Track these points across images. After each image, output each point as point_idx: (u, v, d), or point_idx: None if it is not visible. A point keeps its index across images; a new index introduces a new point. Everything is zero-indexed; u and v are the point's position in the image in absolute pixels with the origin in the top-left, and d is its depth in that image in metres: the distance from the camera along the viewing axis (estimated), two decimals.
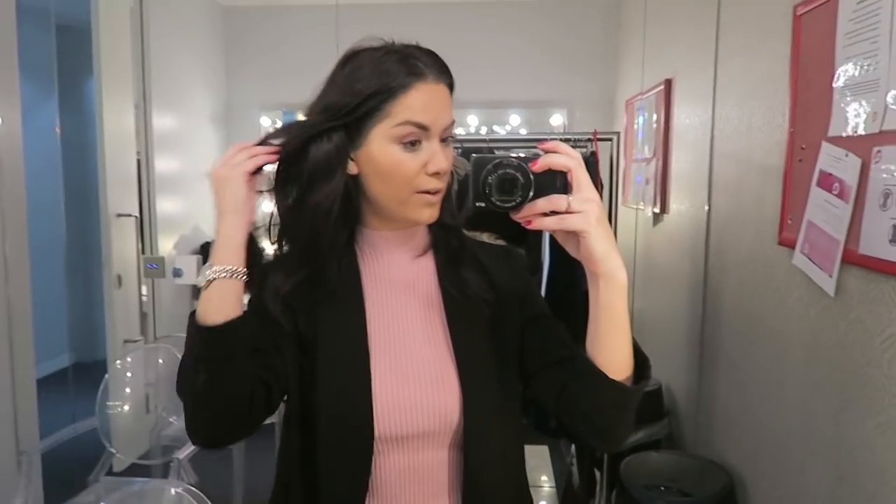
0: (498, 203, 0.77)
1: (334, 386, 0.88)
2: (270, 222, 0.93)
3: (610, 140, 2.18)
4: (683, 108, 2.49)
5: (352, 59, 0.88)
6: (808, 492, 1.47)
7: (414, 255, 0.97)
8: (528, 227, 0.77)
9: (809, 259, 1.44)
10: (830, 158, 1.38)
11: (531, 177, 0.76)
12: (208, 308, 0.83)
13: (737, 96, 1.95)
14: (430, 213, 0.89)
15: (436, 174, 0.86)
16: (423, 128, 0.84)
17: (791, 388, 1.56)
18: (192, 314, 0.85)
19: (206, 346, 0.83)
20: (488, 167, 0.77)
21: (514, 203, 0.77)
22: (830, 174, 1.37)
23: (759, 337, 1.74)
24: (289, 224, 0.91)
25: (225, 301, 0.84)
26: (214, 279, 0.84)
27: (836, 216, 1.33)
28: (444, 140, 0.88)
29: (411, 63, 0.85)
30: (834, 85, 1.37)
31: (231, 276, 0.84)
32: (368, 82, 0.84)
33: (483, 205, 0.77)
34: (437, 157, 0.85)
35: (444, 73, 0.88)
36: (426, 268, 0.97)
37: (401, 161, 0.85)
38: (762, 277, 1.72)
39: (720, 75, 2.09)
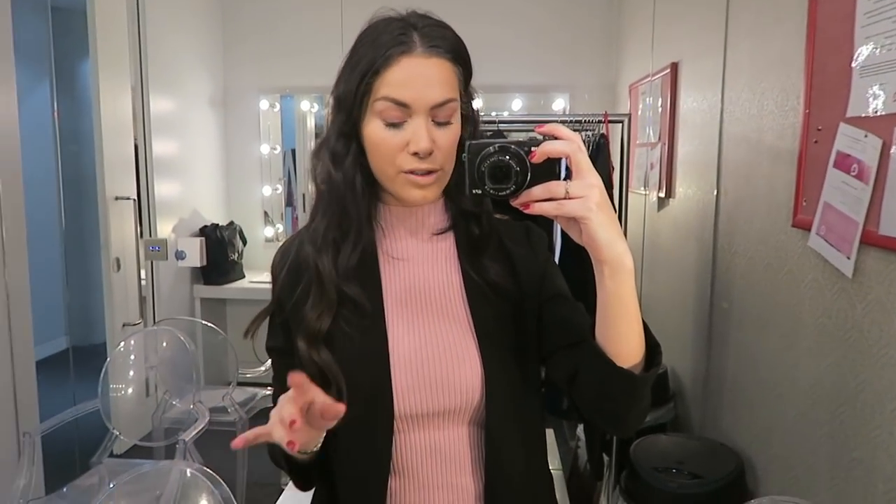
0: (491, 191, 0.75)
1: (352, 364, 0.87)
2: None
3: (620, 122, 2.17)
4: (690, 91, 2.47)
5: (364, 31, 0.87)
6: (822, 473, 1.47)
7: (430, 233, 0.96)
8: (526, 211, 0.75)
9: (826, 241, 1.43)
10: (848, 139, 1.37)
11: (527, 163, 0.74)
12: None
13: (747, 79, 1.94)
14: (421, 195, 0.87)
15: (416, 154, 0.83)
16: (401, 104, 0.81)
17: (804, 371, 1.56)
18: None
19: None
20: (482, 154, 0.75)
21: (508, 191, 0.75)
22: (849, 155, 1.36)
23: (770, 319, 1.74)
24: (323, 199, 0.90)
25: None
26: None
27: (855, 197, 1.32)
28: (442, 122, 0.84)
29: (402, 35, 0.82)
30: (853, 65, 1.36)
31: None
32: (360, 66, 0.83)
33: (479, 192, 0.76)
34: (418, 137, 0.82)
35: (442, 47, 0.83)
36: (445, 248, 0.96)
37: (382, 138, 0.83)
38: (774, 260, 1.72)
39: (730, 58, 2.07)
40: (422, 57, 0.82)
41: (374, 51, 0.82)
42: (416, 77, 0.81)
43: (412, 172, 0.84)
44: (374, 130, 0.84)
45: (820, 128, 1.49)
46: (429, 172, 0.85)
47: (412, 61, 0.81)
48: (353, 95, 0.83)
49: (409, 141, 0.82)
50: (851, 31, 1.36)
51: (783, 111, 1.69)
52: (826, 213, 1.44)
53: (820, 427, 1.48)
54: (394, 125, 0.83)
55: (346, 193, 0.87)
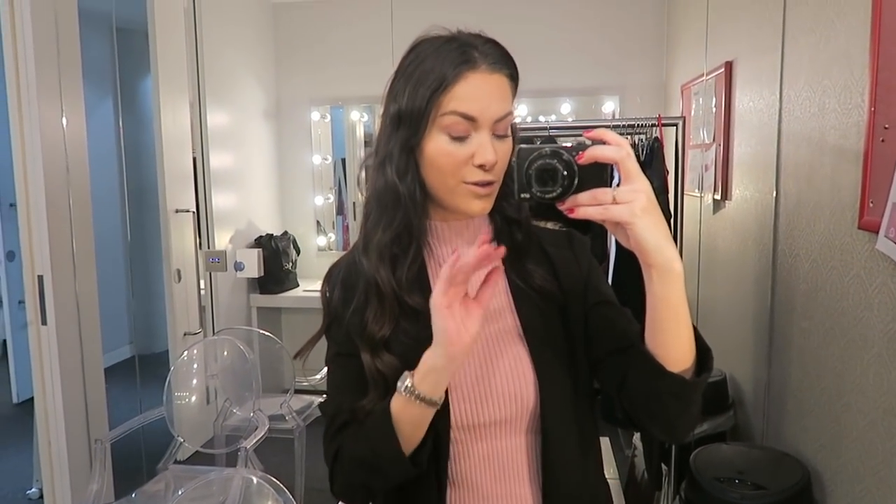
0: (538, 194, 0.76)
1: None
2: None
3: (674, 125, 2.13)
4: (746, 90, 2.41)
5: (415, 50, 0.88)
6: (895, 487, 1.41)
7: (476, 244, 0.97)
8: (571, 216, 0.76)
9: (895, 243, 1.37)
10: None
11: (574, 167, 0.75)
12: (400, 427, 0.83)
13: (807, 76, 1.88)
14: (481, 206, 0.88)
15: (482, 166, 0.84)
16: (469, 118, 0.83)
17: (874, 378, 1.50)
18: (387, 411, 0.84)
19: (392, 469, 0.85)
20: (530, 158, 0.76)
21: (554, 193, 0.76)
22: None
23: (836, 325, 1.68)
24: (386, 213, 0.90)
25: (417, 425, 0.83)
26: (406, 396, 0.81)
27: None
28: (501, 135, 0.86)
29: (465, 52, 0.84)
30: None
31: (417, 400, 0.81)
32: (427, 82, 0.84)
33: (526, 196, 0.77)
34: (484, 149, 0.84)
35: (501, 63, 0.86)
36: None
37: (448, 152, 0.85)
38: (839, 263, 1.66)
39: (788, 55, 2.01)
40: (486, 73, 0.84)
41: (440, 67, 0.83)
42: (482, 92, 0.84)
43: (475, 184, 0.86)
44: (438, 145, 0.85)
45: (887, 126, 1.43)
46: (488, 184, 0.87)
47: (478, 77, 0.84)
48: (421, 111, 0.84)
49: (474, 154, 0.84)
50: None
51: (846, 109, 1.63)
52: (895, 215, 1.38)
53: (893, 437, 1.42)
54: (459, 139, 0.84)
55: (411, 208, 0.89)
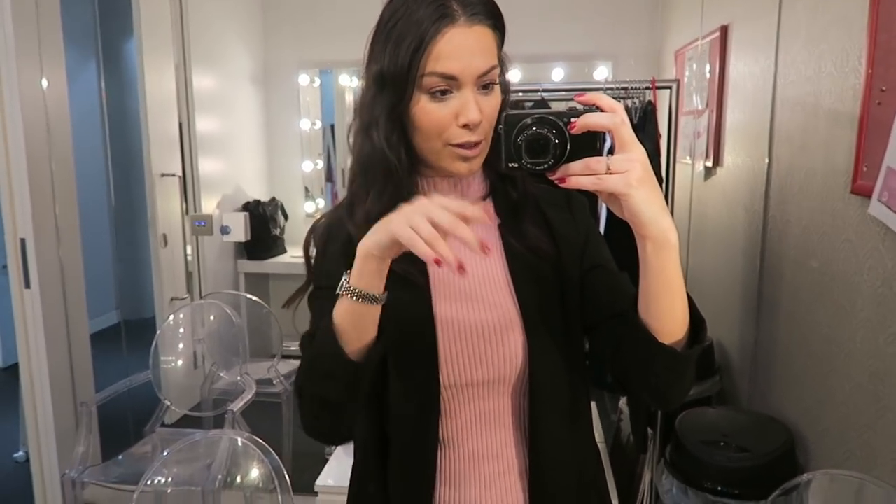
0: (528, 165, 0.73)
1: (398, 337, 0.86)
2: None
3: (668, 88, 2.10)
4: (741, 55, 2.38)
5: (393, 2, 0.84)
6: (880, 448, 1.43)
7: (469, 201, 0.92)
8: (562, 185, 0.72)
9: (888, 207, 1.36)
10: None
11: (567, 135, 0.71)
12: (343, 329, 0.78)
13: (804, 40, 1.85)
14: (467, 167, 0.86)
15: (466, 126, 0.81)
16: (450, 77, 0.80)
17: (861, 343, 1.50)
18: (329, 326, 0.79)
19: (344, 378, 0.80)
20: (519, 126, 0.72)
21: (546, 165, 0.72)
22: None
23: (825, 290, 1.68)
24: (376, 182, 0.87)
25: (359, 326, 0.78)
26: (344, 295, 0.76)
27: None
28: (486, 86, 0.82)
29: (443, 5, 0.79)
30: None
31: (357, 298, 0.76)
32: (406, 42, 0.79)
33: (515, 165, 0.73)
34: (468, 108, 0.80)
35: (482, 13, 0.81)
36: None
37: (429, 112, 0.81)
38: (830, 228, 1.65)
39: (785, 18, 1.98)
40: (465, 26, 0.80)
41: (416, 26, 0.79)
42: (461, 48, 0.80)
43: (460, 146, 0.83)
44: (420, 104, 0.82)
45: (884, 88, 1.41)
46: (475, 144, 0.84)
47: (456, 32, 0.79)
48: (403, 74, 0.80)
49: (457, 113, 0.81)
50: None
51: (843, 72, 1.61)
52: (889, 179, 1.37)
53: (878, 401, 1.43)
54: (441, 99, 0.81)
55: (401, 176, 0.86)
